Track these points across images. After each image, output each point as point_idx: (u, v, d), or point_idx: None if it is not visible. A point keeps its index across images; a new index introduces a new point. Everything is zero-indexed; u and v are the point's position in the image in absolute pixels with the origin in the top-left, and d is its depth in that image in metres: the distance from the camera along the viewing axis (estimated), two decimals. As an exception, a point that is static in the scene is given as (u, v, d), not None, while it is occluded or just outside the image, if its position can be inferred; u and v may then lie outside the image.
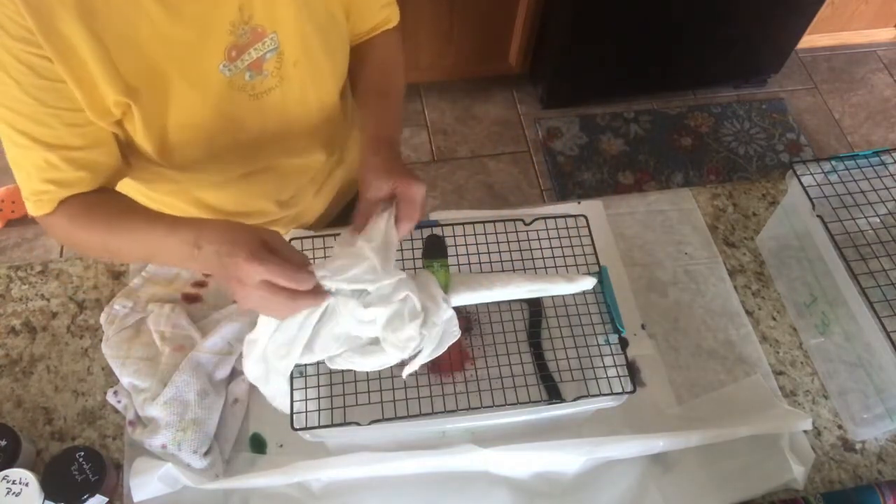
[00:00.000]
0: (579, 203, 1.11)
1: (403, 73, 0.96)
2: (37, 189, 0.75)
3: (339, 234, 0.85)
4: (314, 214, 1.08)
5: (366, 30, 0.93)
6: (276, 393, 0.76)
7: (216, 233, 0.65)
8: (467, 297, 0.75)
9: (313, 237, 0.84)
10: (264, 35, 0.77)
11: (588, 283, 0.79)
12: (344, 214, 1.16)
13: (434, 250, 0.77)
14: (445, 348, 0.72)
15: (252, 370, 0.71)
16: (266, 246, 0.62)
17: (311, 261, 0.68)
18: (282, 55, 0.79)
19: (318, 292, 0.64)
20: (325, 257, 0.80)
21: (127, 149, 0.80)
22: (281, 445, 0.87)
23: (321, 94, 0.89)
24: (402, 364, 0.72)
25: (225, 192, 0.93)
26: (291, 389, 0.74)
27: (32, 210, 0.77)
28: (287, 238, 0.73)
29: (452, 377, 0.83)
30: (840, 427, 0.93)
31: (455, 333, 0.73)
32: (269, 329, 0.68)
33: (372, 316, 0.68)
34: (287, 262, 0.62)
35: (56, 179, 0.74)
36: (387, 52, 0.95)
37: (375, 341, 0.70)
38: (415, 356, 0.71)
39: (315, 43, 0.82)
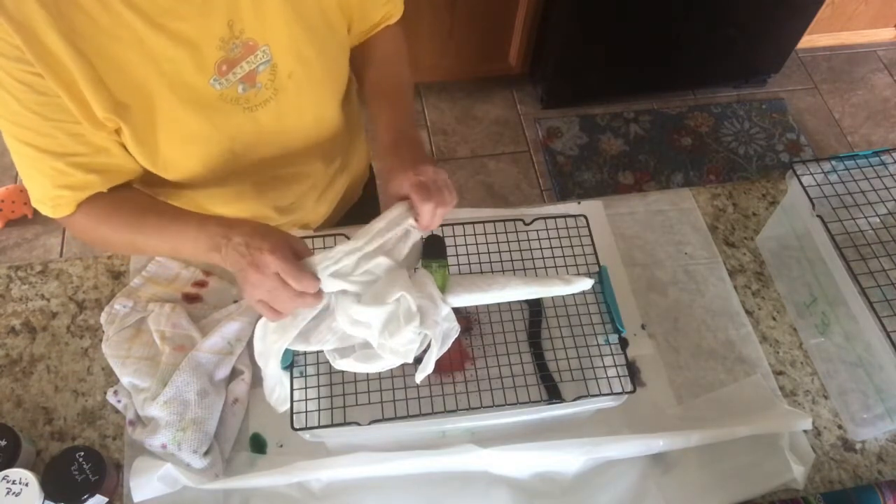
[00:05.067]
0: (579, 203, 1.11)
1: (410, 66, 0.95)
2: (52, 195, 0.76)
3: (339, 235, 0.85)
4: (316, 220, 1.08)
5: (367, 28, 0.92)
6: (271, 382, 0.77)
7: (249, 227, 0.69)
8: (465, 299, 0.75)
9: (312, 237, 0.84)
10: (256, 48, 0.76)
11: (585, 284, 0.79)
12: (348, 219, 1.16)
13: (433, 250, 0.77)
14: (449, 345, 0.72)
15: (257, 346, 0.73)
16: (290, 248, 0.68)
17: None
18: (275, 67, 0.79)
19: (317, 297, 0.68)
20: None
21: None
22: (281, 445, 0.87)
23: (319, 104, 0.88)
24: (404, 364, 0.72)
25: (225, 200, 0.93)
26: (292, 389, 0.74)
27: (51, 213, 0.78)
28: None
29: (452, 377, 0.83)
30: (840, 427, 0.93)
31: (456, 329, 0.73)
32: None
33: (366, 317, 0.68)
34: (300, 266, 0.67)
35: (68, 184, 0.75)
36: (390, 48, 0.94)
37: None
38: (420, 359, 0.71)
39: (310, 53, 0.81)
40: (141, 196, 0.83)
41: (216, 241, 0.70)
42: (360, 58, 0.93)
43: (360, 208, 1.18)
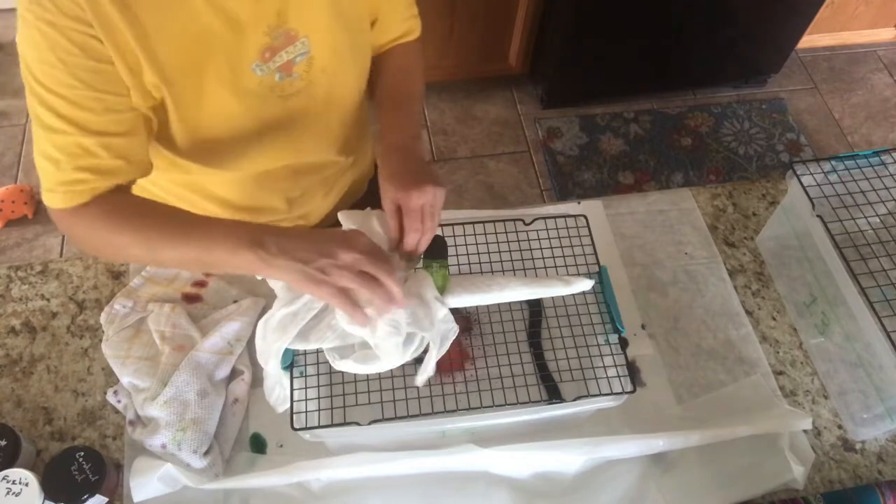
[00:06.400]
0: (579, 203, 1.11)
1: (422, 80, 0.98)
2: (69, 178, 0.71)
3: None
4: (320, 215, 1.08)
5: (387, 41, 0.96)
6: (271, 382, 0.77)
7: (286, 227, 0.71)
8: (465, 300, 0.75)
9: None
10: (296, 38, 0.78)
11: (585, 284, 0.79)
12: None
13: (434, 250, 0.77)
14: (448, 347, 0.72)
15: (258, 345, 0.73)
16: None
17: None
18: (311, 59, 0.81)
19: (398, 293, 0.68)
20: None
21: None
22: (281, 445, 0.87)
23: (344, 98, 0.90)
24: (404, 364, 0.72)
25: (238, 186, 0.93)
26: (292, 389, 0.74)
27: (61, 202, 0.72)
28: None
29: (452, 377, 0.83)
30: (840, 427, 0.93)
31: (454, 330, 0.73)
32: (278, 306, 0.71)
33: None
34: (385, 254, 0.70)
35: (93, 167, 0.71)
36: (405, 60, 0.97)
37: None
38: (420, 359, 0.71)
39: (344, 48, 0.83)
40: (157, 203, 0.79)
41: (256, 236, 0.67)
42: (375, 67, 0.95)
43: (362, 204, 1.18)
